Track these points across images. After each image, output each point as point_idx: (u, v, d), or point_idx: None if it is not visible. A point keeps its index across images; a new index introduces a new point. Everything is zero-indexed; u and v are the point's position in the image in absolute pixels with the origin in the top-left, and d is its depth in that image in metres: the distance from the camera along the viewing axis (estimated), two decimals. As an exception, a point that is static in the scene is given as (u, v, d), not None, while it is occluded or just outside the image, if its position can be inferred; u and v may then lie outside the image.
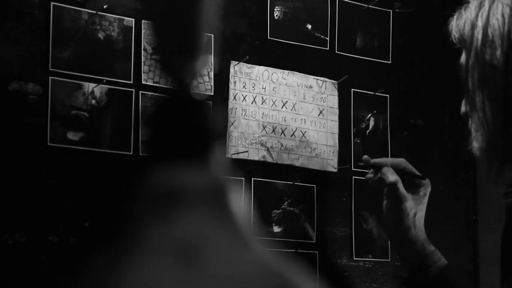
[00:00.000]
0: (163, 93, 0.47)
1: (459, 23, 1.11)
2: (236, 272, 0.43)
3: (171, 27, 0.47)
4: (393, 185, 1.39)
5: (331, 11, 1.60)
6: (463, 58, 1.09)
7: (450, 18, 1.13)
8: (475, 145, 1.08)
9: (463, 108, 1.10)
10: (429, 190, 1.46)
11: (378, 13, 1.66)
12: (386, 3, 1.67)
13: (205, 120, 0.47)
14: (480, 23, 1.06)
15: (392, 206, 1.38)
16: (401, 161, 1.48)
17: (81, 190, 1.29)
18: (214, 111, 0.48)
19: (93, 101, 1.33)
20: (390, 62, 1.66)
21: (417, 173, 1.46)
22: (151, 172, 0.45)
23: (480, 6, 1.07)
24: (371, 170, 1.44)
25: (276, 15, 1.53)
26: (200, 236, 0.44)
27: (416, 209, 1.42)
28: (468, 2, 1.11)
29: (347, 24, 1.62)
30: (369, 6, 1.64)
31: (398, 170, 1.44)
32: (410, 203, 1.41)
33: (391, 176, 1.41)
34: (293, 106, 1.53)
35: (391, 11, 1.68)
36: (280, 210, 1.49)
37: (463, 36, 1.10)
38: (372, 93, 1.63)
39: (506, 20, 1.03)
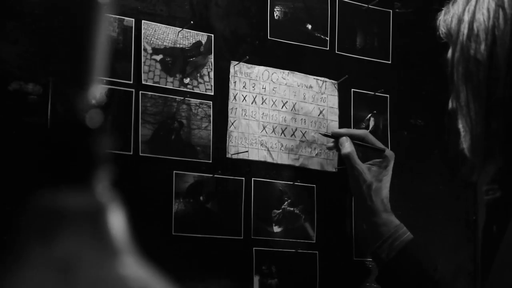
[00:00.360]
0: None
1: (447, 18, 1.11)
2: None
3: (63, 56, 0.50)
4: (346, 156, 1.46)
5: (331, 11, 1.60)
6: (449, 53, 1.10)
7: (438, 13, 1.14)
8: (465, 145, 1.09)
9: (450, 104, 1.11)
10: (391, 162, 1.50)
11: (378, 13, 1.66)
12: (386, 3, 1.67)
13: (90, 147, 0.49)
14: (466, 18, 1.07)
15: (349, 177, 1.45)
16: (361, 132, 1.52)
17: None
18: (101, 138, 0.50)
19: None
20: (390, 62, 1.66)
21: (379, 145, 1.50)
22: (36, 194, 0.47)
23: (468, 1, 1.08)
24: (333, 140, 1.50)
25: (276, 15, 1.53)
26: (76, 255, 0.46)
27: (374, 181, 1.46)
28: None
29: (347, 24, 1.62)
30: (369, 6, 1.64)
31: (359, 141, 1.49)
32: (365, 175, 1.46)
33: (346, 147, 1.47)
34: (293, 106, 1.53)
35: (391, 11, 1.68)
36: (280, 210, 1.49)
37: (450, 30, 1.11)
38: (372, 93, 1.63)
39: (491, 15, 1.04)
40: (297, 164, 1.52)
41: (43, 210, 0.47)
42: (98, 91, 0.52)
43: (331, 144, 1.51)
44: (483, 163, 1.06)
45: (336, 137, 1.50)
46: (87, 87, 0.50)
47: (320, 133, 1.53)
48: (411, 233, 1.46)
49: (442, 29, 1.13)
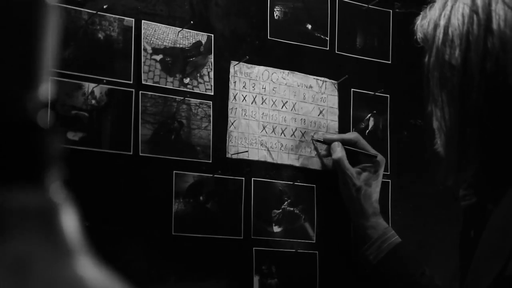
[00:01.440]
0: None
1: (424, 23, 1.12)
2: None
3: (6, 53, 0.49)
4: (337, 161, 1.48)
5: (331, 11, 1.60)
6: (426, 58, 1.10)
7: (416, 18, 1.14)
8: (439, 145, 1.10)
9: (428, 107, 1.12)
10: (381, 167, 1.52)
11: (378, 13, 1.66)
12: (386, 3, 1.67)
13: (42, 146, 0.49)
14: (442, 23, 1.07)
15: (339, 181, 1.47)
16: (353, 136, 1.54)
17: (81, 190, 1.29)
18: (52, 137, 0.50)
19: (93, 101, 1.32)
20: (390, 62, 1.66)
21: (370, 150, 1.52)
22: None
23: (444, 6, 1.08)
24: (325, 147, 1.52)
25: (276, 15, 1.53)
26: (28, 255, 0.45)
27: (363, 185, 1.48)
28: (434, 2, 1.11)
29: (347, 24, 1.62)
30: (369, 6, 1.64)
31: (350, 146, 1.50)
32: (354, 180, 1.48)
33: (337, 152, 1.49)
34: (293, 106, 1.53)
35: (391, 11, 1.68)
36: (280, 210, 1.49)
37: (426, 35, 1.11)
38: (372, 93, 1.63)
39: (466, 20, 1.04)
40: (297, 164, 1.52)
41: None
42: (47, 87, 0.52)
43: (324, 152, 1.53)
44: (458, 167, 1.06)
45: (328, 143, 1.52)
46: (36, 85, 0.50)
47: (313, 139, 1.53)
48: (399, 237, 1.47)
49: (419, 33, 1.13)
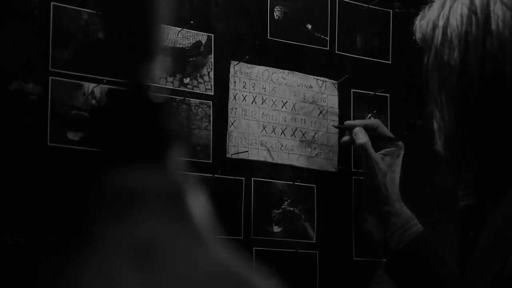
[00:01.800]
0: (118, 93, 0.47)
1: (422, 23, 1.11)
2: (193, 273, 0.42)
3: (125, 25, 0.47)
4: (362, 146, 1.47)
5: (331, 11, 1.60)
6: (425, 58, 1.10)
7: (415, 18, 1.14)
8: (439, 144, 1.09)
9: (428, 108, 1.12)
10: (402, 152, 1.51)
11: (378, 13, 1.66)
12: (386, 3, 1.67)
13: (162, 122, 0.46)
14: (441, 23, 1.07)
15: (363, 167, 1.46)
16: (374, 122, 1.53)
17: (81, 190, 1.29)
18: (173, 112, 0.47)
19: (93, 101, 1.33)
20: (390, 62, 1.66)
21: (390, 134, 1.52)
22: (107, 173, 0.45)
23: (443, 6, 1.08)
24: (347, 132, 1.51)
25: (276, 15, 1.53)
26: (157, 237, 0.43)
27: (388, 170, 1.47)
28: (433, 2, 1.11)
29: (347, 24, 1.62)
30: (369, 6, 1.64)
31: (371, 131, 1.50)
32: (380, 164, 1.47)
33: (361, 138, 1.48)
34: (293, 106, 1.53)
35: (391, 11, 1.68)
36: (280, 210, 1.49)
37: (425, 36, 1.11)
38: (372, 93, 1.63)
39: (464, 21, 1.03)
40: (297, 164, 1.52)
41: (117, 191, 0.44)
42: (163, 61, 0.50)
43: (346, 137, 1.51)
44: (457, 167, 1.06)
45: (349, 128, 1.51)
46: (151, 59, 0.48)
47: (333, 126, 1.53)
48: (422, 226, 1.46)
49: (418, 34, 1.13)
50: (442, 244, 1.58)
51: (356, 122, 1.51)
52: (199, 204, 0.45)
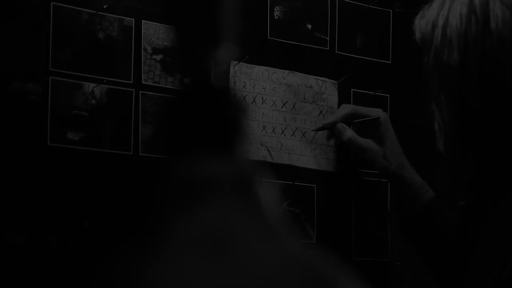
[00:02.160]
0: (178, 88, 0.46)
1: (422, 23, 1.11)
2: (263, 263, 0.42)
3: (190, 12, 0.47)
4: (349, 141, 1.46)
5: (331, 11, 1.60)
6: (425, 58, 1.10)
7: (415, 18, 1.14)
8: (440, 144, 1.10)
9: (428, 108, 1.12)
10: (388, 124, 1.51)
11: (378, 13, 1.66)
12: (386, 3, 1.67)
13: (227, 109, 0.46)
14: (440, 23, 1.06)
15: (362, 159, 1.46)
16: (348, 110, 1.52)
17: (81, 190, 1.29)
18: (236, 99, 0.47)
19: (93, 101, 1.33)
20: (390, 62, 1.66)
21: (370, 113, 1.51)
22: (176, 164, 0.44)
23: (442, 5, 1.07)
24: (329, 133, 1.51)
25: (276, 15, 1.53)
26: (227, 226, 0.43)
27: (384, 148, 1.47)
28: (432, 2, 1.11)
29: (347, 24, 1.62)
30: (369, 6, 1.64)
31: (352, 119, 1.49)
32: (374, 149, 1.47)
33: (345, 133, 1.48)
34: (293, 106, 1.53)
35: (391, 11, 1.68)
36: (280, 210, 1.49)
37: (425, 35, 1.11)
38: (372, 93, 1.62)
39: (464, 20, 1.03)
40: (297, 164, 1.52)
41: (187, 180, 0.43)
42: (227, 50, 0.49)
43: (331, 139, 1.52)
44: (458, 167, 1.06)
45: (329, 127, 1.51)
46: (216, 46, 0.47)
47: (313, 130, 1.53)
48: (433, 192, 1.46)
49: (417, 34, 1.13)
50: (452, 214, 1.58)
51: (332, 119, 1.51)
52: (268, 194, 0.45)
